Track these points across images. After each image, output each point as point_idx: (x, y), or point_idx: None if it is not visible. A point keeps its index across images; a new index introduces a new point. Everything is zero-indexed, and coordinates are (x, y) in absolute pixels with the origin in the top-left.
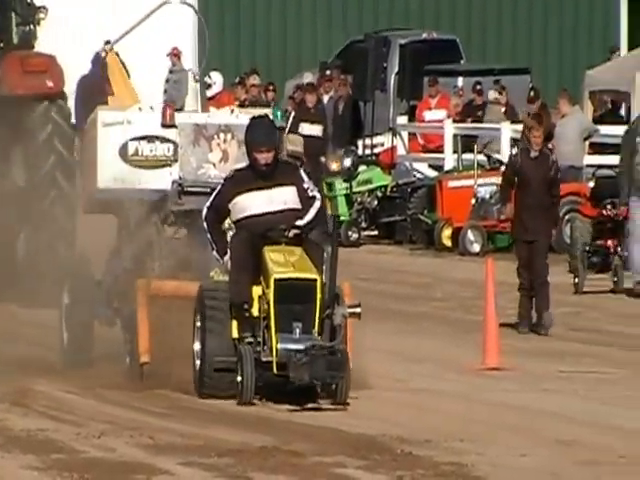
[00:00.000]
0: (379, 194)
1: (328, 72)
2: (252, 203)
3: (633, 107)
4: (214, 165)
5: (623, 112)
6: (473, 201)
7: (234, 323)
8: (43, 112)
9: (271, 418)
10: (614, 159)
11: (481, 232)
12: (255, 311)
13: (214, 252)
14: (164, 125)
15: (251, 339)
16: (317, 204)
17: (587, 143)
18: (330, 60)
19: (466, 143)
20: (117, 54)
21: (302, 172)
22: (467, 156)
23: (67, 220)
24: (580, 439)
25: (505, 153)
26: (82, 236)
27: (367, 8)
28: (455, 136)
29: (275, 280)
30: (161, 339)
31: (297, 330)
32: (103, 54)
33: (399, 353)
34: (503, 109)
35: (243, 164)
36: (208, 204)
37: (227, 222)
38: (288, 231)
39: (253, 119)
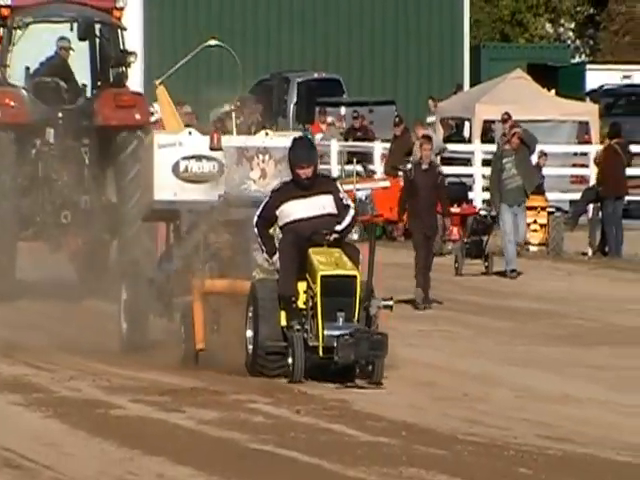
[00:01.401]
0: None
1: (239, 103)
2: (296, 209)
3: (473, 130)
4: (254, 182)
5: (466, 134)
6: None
7: (282, 313)
8: (134, 144)
9: (201, 367)
10: (459, 170)
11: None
12: (301, 303)
13: (264, 254)
14: (212, 148)
15: (298, 327)
16: (352, 212)
17: (439, 157)
18: (245, 94)
19: (348, 157)
20: (164, 84)
21: (337, 184)
22: (348, 167)
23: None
24: (435, 381)
25: (377, 165)
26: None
27: (273, 53)
28: (340, 152)
29: (321, 277)
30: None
31: (340, 319)
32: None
33: None
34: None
35: (279, 180)
36: (258, 213)
37: (272, 229)
38: (329, 235)
39: (295, 140)
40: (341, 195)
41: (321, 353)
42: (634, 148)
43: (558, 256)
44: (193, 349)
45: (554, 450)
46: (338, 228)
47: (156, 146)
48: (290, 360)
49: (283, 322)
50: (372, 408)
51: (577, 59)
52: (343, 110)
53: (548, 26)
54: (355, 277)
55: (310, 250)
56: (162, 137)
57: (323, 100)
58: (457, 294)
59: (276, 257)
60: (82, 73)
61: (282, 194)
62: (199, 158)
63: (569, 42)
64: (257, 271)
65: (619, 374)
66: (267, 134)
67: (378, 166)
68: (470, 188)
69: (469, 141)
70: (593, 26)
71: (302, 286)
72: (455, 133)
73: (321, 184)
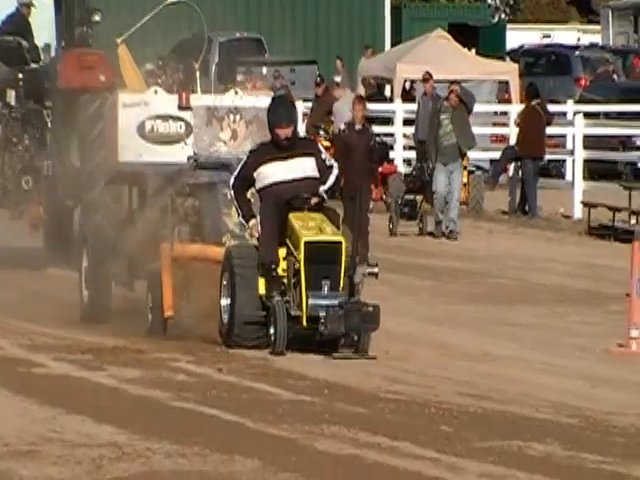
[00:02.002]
0: None
1: (160, 62)
2: (275, 171)
3: (395, 89)
4: (225, 143)
5: (387, 93)
6: None
7: (261, 281)
8: (96, 104)
9: (121, 325)
10: (381, 129)
11: None
12: (280, 271)
13: (240, 217)
14: (181, 107)
15: (279, 296)
16: (335, 172)
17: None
18: (167, 54)
19: None
20: (125, 42)
21: (319, 145)
22: None
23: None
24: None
25: (300, 125)
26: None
27: (195, 13)
28: None
29: (305, 243)
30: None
31: (325, 287)
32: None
33: None
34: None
35: (250, 141)
36: (235, 174)
37: (250, 192)
38: (311, 199)
39: (274, 99)
40: (323, 156)
41: (305, 323)
42: (554, 108)
43: (478, 215)
44: (161, 317)
45: (475, 408)
46: (323, 188)
47: (120, 106)
48: (272, 330)
49: (262, 291)
50: (294, 367)
51: (497, 19)
52: (265, 70)
53: None
54: (340, 243)
55: (291, 215)
56: (127, 97)
57: (245, 60)
58: (381, 253)
59: (253, 222)
60: (45, 32)
61: (260, 155)
62: (165, 118)
63: (489, 2)
64: (227, 236)
65: (539, 332)
66: (237, 93)
67: (301, 125)
68: (391, 147)
69: (390, 100)
70: None
71: (282, 253)
72: (377, 93)
73: (301, 145)
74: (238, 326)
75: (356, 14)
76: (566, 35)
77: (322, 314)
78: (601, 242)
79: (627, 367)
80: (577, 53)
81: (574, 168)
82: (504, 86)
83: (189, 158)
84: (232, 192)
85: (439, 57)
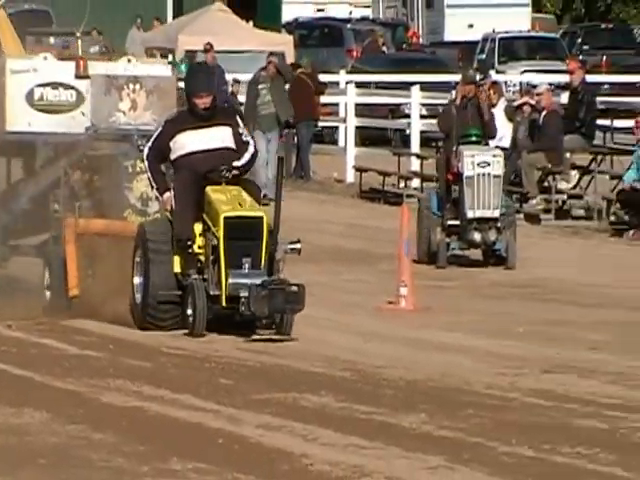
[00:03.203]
0: None
1: None
2: (192, 140)
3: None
4: (124, 113)
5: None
6: None
7: (177, 259)
8: None
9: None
10: None
11: None
12: (196, 247)
13: (154, 190)
14: (78, 76)
15: (196, 275)
16: (251, 149)
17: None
18: None
19: None
20: (4, 8)
21: (237, 118)
22: None
23: None
24: None
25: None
26: None
27: None
28: None
29: (224, 218)
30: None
31: (246, 265)
32: None
33: None
34: None
35: (150, 112)
36: (150, 144)
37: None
38: (228, 172)
39: (192, 67)
40: (240, 130)
41: (224, 303)
42: (327, 77)
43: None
44: (63, 296)
45: (253, 362)
46: (237, 164)
47: (8, 72)
48: (189, 311)
49: (177, 268)
50: (81, 324)
51: None
52: (52, 40)
53: None
54: (262, 218)
55: (208, 188)
56: (15, 62)
57: (34, 30)
58: None
59: (167, 195)
60: None
61: (177, 124)
62: (55, 86)
63: None
64: (129, 212)
65: (317, 290)
66: (129, 61)
67: None
68: None
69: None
70: None
71: (198, 229)
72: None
73: (220, 115)
74: (152, 306)
75: None
76: (339, 9)
77: (243, 294)
78: (372, 205)
79: (396, 323)
80: (349, 26)
81: (346, 135)
82: (281, 57)
83: (87, 129)
84: (146, 162)
85: (219, 29)
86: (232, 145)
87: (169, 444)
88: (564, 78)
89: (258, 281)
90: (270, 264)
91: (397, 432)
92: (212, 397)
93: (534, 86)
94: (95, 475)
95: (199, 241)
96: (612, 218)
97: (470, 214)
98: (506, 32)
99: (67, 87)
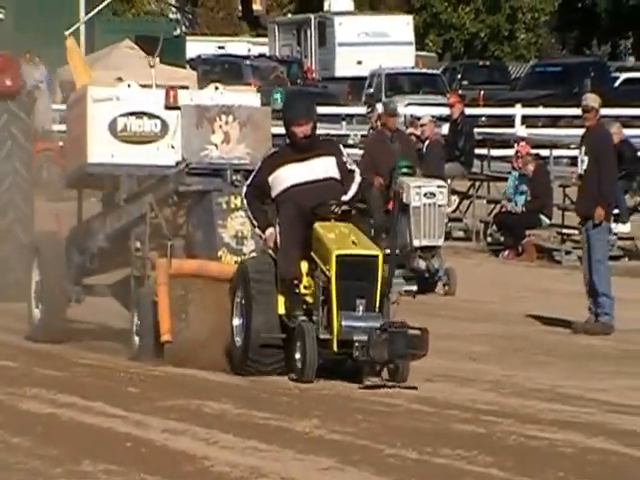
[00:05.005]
0: None
1: None
2: (294, 173)
3: None
4: (216, 146)
5: None
6: None
7: (281, 299)
8: (2, 114)
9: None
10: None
11: None
12: (302, 288)
13: (256, 229)
14: (168, 107)
15: (303, 317)
16: (358, 178)
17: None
18: None
19: None
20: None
21: (341, 147)
22: None
23: (25, 205)
24: None
25: None
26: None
27: None
28: None
29: (337, 257)
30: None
31: (360, 307)
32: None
33: None
34: None
35: (244, 145)
36: (248, 182)
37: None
38: (337, 207)
39: (290, 94)
40: (344, 159)
41: (335, 347)
42: None
43: None
44: (154, 341)
45: (159, 372)
46: (345, 198)
47: (90, 100)
48: (298, 355)
49: (282, 310)
50: None
51: (179, 31)
52: None
53: (154, 3)
54: (377, 257)
55: (316, 225)
56: (96, 90)
57: None
58: None
59: (270, 231)
60: None
61: (275, 159)
62: (139, 115)
63: (171, 16)
64: (223, 250)
65: None
66: (217, 88)
67: None
68: None
69: None
70: (191, 2)
71: (304, 267)
72: None
73: (321, 146)
74: (254, 349)
75: (51, 25)
76: (238, 46)
77: (358, 337)
78: None
79: None
80: (247, 62)
81: None
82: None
83: (178, 163)
84: (245, 201)
85: (128, 64)
86: (337, 175)
87: (81, 448)
88: (445, 111)
89: (376, 324)
90: (385, 307)
91: (292, 436)
92: (121, 404)
93: (418, 118)
94: (13, 476)
95: (305, 281)
96: (489, 239)
97: (416, 243)
98: (392, 68)
99: (151, 116)
